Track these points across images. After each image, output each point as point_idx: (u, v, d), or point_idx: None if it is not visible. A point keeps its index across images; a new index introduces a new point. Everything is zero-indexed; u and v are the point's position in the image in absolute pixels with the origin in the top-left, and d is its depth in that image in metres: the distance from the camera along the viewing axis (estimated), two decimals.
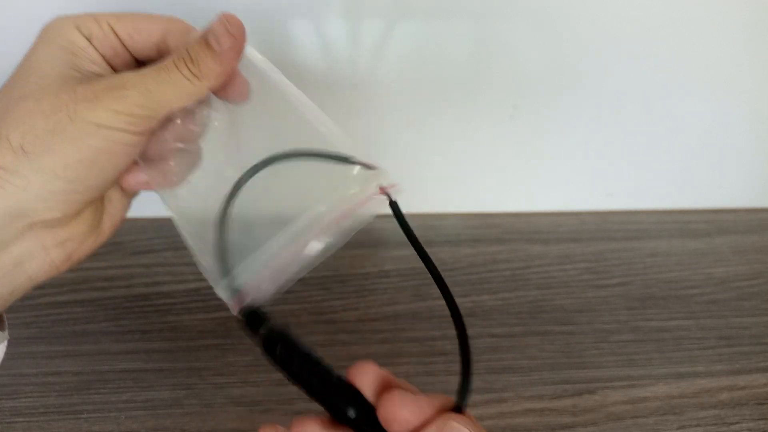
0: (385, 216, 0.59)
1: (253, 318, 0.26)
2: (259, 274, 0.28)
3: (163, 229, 0.55)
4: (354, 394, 0.24)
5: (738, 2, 0.50)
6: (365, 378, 0.25)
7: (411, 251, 0.56)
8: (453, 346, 0.47)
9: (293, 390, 0.43)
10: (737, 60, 0.54)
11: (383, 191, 0.29)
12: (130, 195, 0.33)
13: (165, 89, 0.28)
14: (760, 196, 0.64)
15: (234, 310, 0.27)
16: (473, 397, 0.43)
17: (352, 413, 0.24)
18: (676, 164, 0.61)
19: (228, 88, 0.31)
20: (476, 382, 0.44)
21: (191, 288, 0.51)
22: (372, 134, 0.54)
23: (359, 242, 0.58)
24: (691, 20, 0.51)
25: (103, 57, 0.30)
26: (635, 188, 0.62)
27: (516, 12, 0.48)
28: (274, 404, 0.42)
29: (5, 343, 0.31)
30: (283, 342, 0.25)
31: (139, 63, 0.31)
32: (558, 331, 0.49)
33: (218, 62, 0.28)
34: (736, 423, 0.43)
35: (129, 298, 0.50)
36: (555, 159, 0.59)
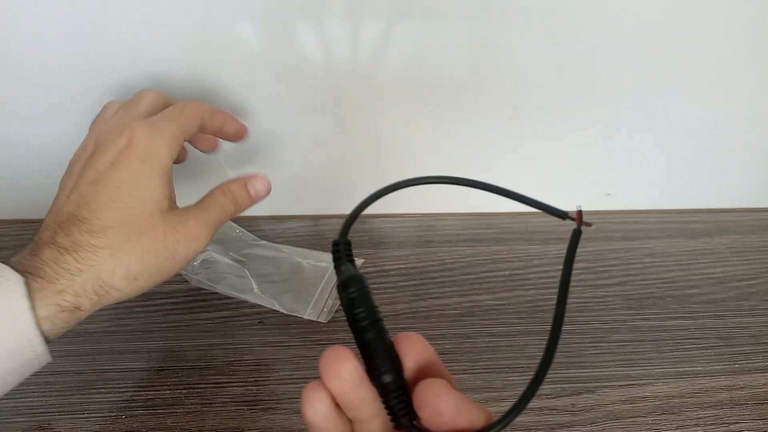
0: (386, 216, 0.60)
1: (341, 254, 0.27)
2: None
3: None
4: (396, 362, 0.24)
5: (738, 2, 0.50)
6: (411, 349, 0.25)
7: (411, 251, 0.56)
8: (452, 345, 0.47)
9: (294, 390, 0.44)
10: (737, 60, 0.54)
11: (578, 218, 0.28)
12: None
13: (221, 217, 0.39)
14: (759, 196, 0.64)
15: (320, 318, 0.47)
16: (472, 397, 0.43)
17: (387, 378, 0.24)
18: (675, 164, 0.61)
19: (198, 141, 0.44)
20: (475, 381, 0.45)
21: (193, 288, 0.51)
22: (372, 134, 0.55)
23: (359, 242, 0.58)
24: (691, 20, 0.51)
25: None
26: (634, 188, 0.62)
27: (516, 13, 0.48)
28: (275, 404, 0.43)
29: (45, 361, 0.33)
30: (359, 286, 0.25)
31: None
32: None
33: (250, 202, 0.41)
34: (735, 423, 0.43)
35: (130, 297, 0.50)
36: (554, 159, 0.59)
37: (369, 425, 0.25)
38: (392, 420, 0.25)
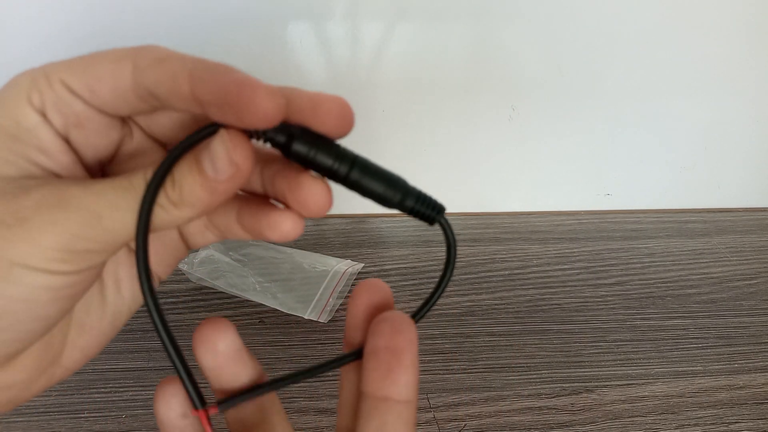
0: (386, 216, 0.60)
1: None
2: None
3: None
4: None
5: (738, 2, 0.50)
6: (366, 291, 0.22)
7: (411, 251, 0.56)
8: (452, 344, 0.47)
9: (294, 389, 0.44)
10: (737, 60, 0.54)
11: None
12: (118, 311, 0.24)
13: (123, 217, 0.19)
14: (759, 196, 0.64)
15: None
16: (471, 396, 0.43)
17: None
18: (674, 164, 0.61)
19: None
20: (475, 380, 0.45)
21: (193, 287, 0.51)
22: (372, 135, 0.55)
23: (359, 242, 0.58)
24: (691, 21, 0.51)
25: (65, 137, 0.21)
26: (633, 188, 0.62)
27: (515, 14, 0.48)
28: None
29: None
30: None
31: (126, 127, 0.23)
32: (556, 330, 0.49)
33: (209, 191, 0.20)
34: (735, 422, 0.43)
35: None
36: (553, 159, 0.59)
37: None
38: None
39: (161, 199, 0.20)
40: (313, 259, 0.54)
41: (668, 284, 0.55)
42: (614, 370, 0.46)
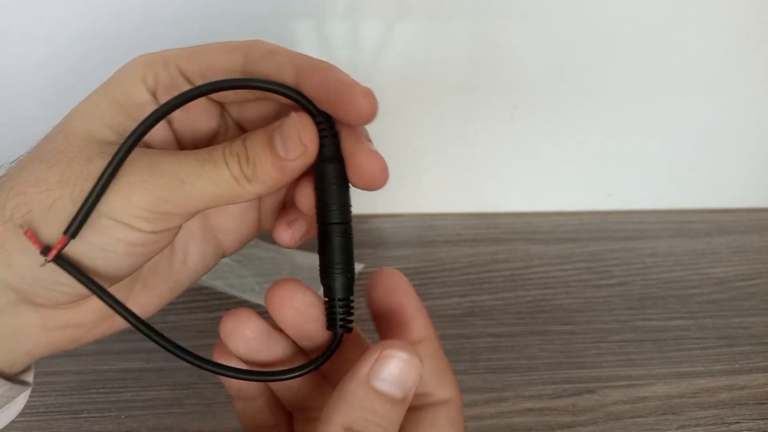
0: (386, 216, 0.60)
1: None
2: None
3: None
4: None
5: (738, 2, 0.50)
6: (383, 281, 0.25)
7: (411, 251, 0.56)
8: (453, 345, 0.47)
9: None
10: (737, 60, 0.54)
11: None
12: (180, 281, 0.28)
13: (203, 185, 0.22)
14: (760, 196, 0.64)
15: None
16: (473, 397, 0.43)
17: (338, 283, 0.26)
18: (675, 164, 0.61)
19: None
20: (476, 381, 0.45)
21: (192, 288, 0.51)
22: (372, 134, 0.55)
23: (359, 242, 0.58)
24: (691, 20, 0.51)
25: (169, 117, 0.24)
26: (635, 188, 0.62)
27: (516, 13, 0.48)
28: None
29: (25, 393, 0.27)
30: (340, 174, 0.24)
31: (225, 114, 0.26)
32: (558, 331, 0.49)
33: (278, 169, 0.22)
34: (736, 423, 0.43)
35: None
36: (554, 159, 0.59)
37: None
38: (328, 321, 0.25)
39: (236, 172, 0.22)
40: (313, 260, 0.53)
41: (670, 284, 0.55)
42: (616, 371, 0.46)
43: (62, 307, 0.23)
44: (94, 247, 0.21)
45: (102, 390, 0.43)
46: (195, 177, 0.21)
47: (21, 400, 0.27)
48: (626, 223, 0.62)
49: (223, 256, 0.29)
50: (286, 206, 0.27)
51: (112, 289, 0.23)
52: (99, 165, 0.21)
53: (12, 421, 0.41)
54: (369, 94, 0.21)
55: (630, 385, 0.45)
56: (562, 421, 0.42)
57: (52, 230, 0.21)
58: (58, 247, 0.20)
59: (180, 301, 0.50)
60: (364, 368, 0.21)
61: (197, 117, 0.25)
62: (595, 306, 0.52)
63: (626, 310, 0.52)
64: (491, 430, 0.41)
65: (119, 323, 0.26)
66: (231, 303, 0.50)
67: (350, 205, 0.24)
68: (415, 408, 0.23)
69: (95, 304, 0.24)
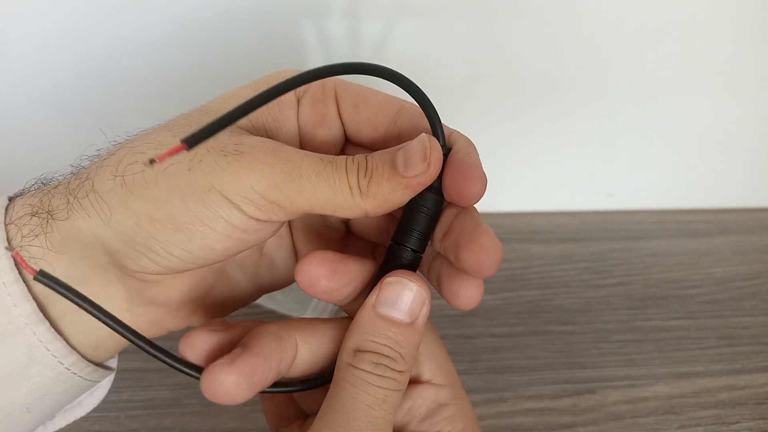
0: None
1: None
2: None
3: None
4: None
5: (738, 2, 0.50)
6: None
7: None
8: (452, 345, 0.47)
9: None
10: (737, 60, 0.54)
11: None
12: (260, 285, 0.28)
13: (318, 184, 0.21)
14: (760, 196, 0.64)
15: None
16: (473, 397, 0.43)
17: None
18: (676, 164, 0.61)
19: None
20: (476, 381, 0.45)
21: None
22: None
23: None
24: (691, 20, 0.51)
25: (301, 124, 0.25)
26: (635, 188, 0.62)
27: (516, 12, 0.48)
28: None
29: (109, 377, 0.28)
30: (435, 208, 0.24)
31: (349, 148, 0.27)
32: (558, 331, 0.49)
33: (393, 188, 0.22)
34: (736, 423, 0.43)
35: None
36: (555, 159, 0.59)
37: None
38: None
39: (353, 181, 0.22)
40: None
41: (670, 284, 0.55)
42: (616, 371, 0.46)
43: (148, 280, 0.23)
44: (196, 219, 0.21)
45: None
46: (314, 174, 0.21)
47: (105, 385, 0.28)
48: (627, 223, 0.62)
49: (288, 284, 0.29)
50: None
51: (198, 276, 0.24)
52: (225, 142, 0.22)
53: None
54: (484, 183, 0.23)
55: (630, 385, 0.45)
56: (563, 421, 0.42)
57: (161, 192, 0.21)
58: (172, 152, 0.19)
59: None
60: (371, 297, 0.22)
61: (327, 133, 0.25)
62: (595, 306, 0.52)
63: (627, 310, 0.52)
64: (491, 430, 0.41)
65: (200, 312, 0.26)
66: None
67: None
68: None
69: (179, 283, 0.24)
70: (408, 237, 0.24)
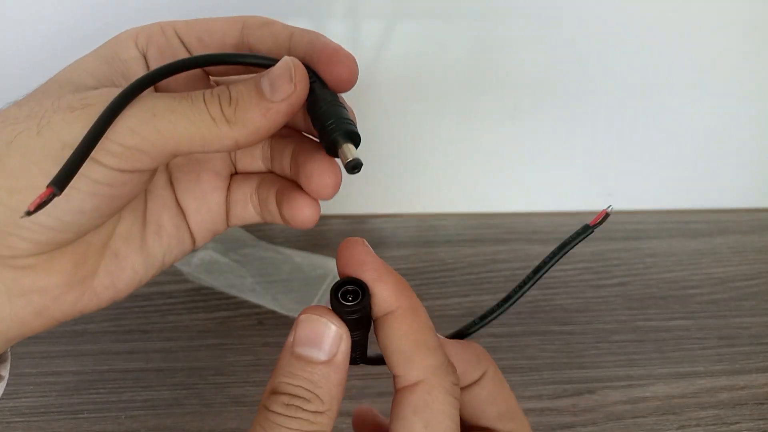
0: (386, 216, 0.59)
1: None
2: None
3: None
4: None
5: (738, 2, 0.50)
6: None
7: (411, 251, 0.56)
8: None
9: None
10: (737, 60, 0.54)
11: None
12: (153, 256, 0.26)
13: (176, 120, 0.20)
14: (760, 196, 0.64)
15: None
16: None
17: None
18: (676, 164, 0.61)
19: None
20: None
21: (192, 288, 0.51)
22: (372, 134, 0.55)
23: None
24: (691, 20, 0.51)
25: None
26: (635, 188, 0.62)
27: (516, 12, 0.48)
28: None
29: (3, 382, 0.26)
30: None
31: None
32: (558, 331, 0.49)
33: (262, 113, 0.21)
34: (736, 423, 0.43)
35: (130, 297, 0.50)
36: (555, 159, 0.59)
37: None
38: None
39: (215, 112, 0.21)
40: (312, 261, 0.53)
41: (670, 284, 0.55)
42: (616, 371, 0.46)
43: (23, 266, 0.22)
44: None
45: (102, 390, 0.43)
46: (169, 111, 0.20)
47: None
48: (626, 223, 0.62)
49: (195, 245, 0.28)
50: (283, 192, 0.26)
51: (78, 254, 0.23)
52: (70, 99, 0.20)
53: (12, 422, 0.41)
54: (351, 58, 0.22)
55: (630, 385, 0.45)
56: (563, 421, 0.42)
57: (15, 162, 0.20)
58: (42, 196, 0.17)
59: (180, 302, 0.50)
60: (289, 337, 0.21)
61: (185, 79, 0.25)
62: (595, 306, 0.52)
63: (626, 311, 0.52)
64: None
65: (89, 296, 0.24)
66: (231, 303, 0.50)
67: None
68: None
69: (58, 265, 0.23)
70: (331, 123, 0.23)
